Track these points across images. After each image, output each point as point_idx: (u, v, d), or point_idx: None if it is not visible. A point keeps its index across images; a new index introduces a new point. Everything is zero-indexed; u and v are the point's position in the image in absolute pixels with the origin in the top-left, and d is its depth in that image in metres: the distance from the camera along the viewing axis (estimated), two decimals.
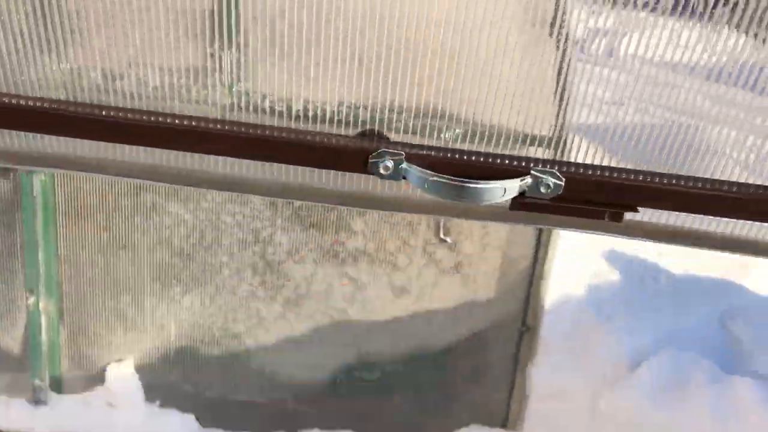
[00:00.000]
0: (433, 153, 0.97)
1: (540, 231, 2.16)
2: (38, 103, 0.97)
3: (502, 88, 0.93)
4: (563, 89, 0.94)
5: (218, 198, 2.08)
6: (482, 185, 0.95)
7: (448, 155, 0.96)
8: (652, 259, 2.96)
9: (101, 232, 2.21)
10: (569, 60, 0.92)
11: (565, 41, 0.91)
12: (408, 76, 0.93)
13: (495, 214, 1.05)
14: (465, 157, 0.96)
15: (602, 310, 2.72)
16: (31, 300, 2.28)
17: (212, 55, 0.95)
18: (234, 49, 0.94)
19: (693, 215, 1.01)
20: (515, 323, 2.40)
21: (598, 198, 0.96)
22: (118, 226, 2.17)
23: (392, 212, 1.95)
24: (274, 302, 2.27)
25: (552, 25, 0.89)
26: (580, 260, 2.81)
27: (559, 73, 0.94)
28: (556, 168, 0.94)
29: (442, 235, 2.15)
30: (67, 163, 1.07)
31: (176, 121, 0.97)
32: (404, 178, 0.97)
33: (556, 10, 0.87)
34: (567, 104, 0.95)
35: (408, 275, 2.21)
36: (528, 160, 0.95)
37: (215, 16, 0.92)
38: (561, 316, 2.61)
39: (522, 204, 0.96)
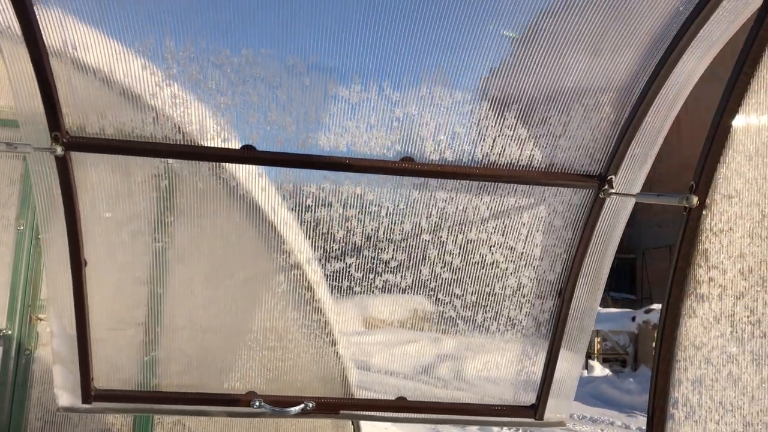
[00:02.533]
0: (270, 398, 2.88)
1: None
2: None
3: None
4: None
5: None
6: (287, 409, 2.85)
7: (275, 397, 2.88)
8: None
9: None
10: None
11: None
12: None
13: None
14: (283, 400, 2.88)
15: None
16: None
17: None
18: None
19: None
20: None
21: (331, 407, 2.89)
22: None
23: None
24: None
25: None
26: None
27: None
28: (313, 401, 2.88)
29: None
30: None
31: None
32: (261, 407, 2.85)
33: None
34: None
35: None
36: (306, 398, 2.88)
37: None
38: None
39: (303, 413, 2.86)
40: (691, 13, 1.95)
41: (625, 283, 27.86)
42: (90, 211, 2.50)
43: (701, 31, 1.98)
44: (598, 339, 18.25)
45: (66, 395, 2.80)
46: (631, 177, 2.51)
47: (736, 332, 1.88)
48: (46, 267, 2.58)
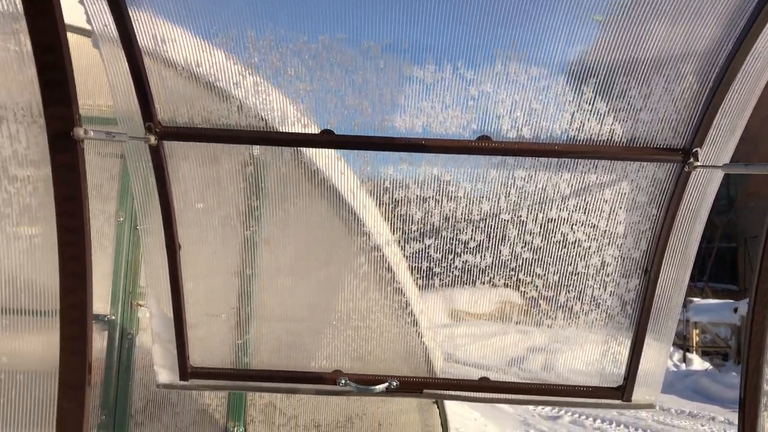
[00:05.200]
0: (355, 377, 2.95)
1: None
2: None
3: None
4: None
5: None
6: (372, 387, 2.92)
7: (360, 376, 2.95)
8: None
9: None
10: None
11: None
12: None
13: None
14: (368, 378, 2.95)
15: None
16: None
17: None
18: None
19: None
20: None
21: (414, 386, 2.93)
22: None
23: None
24: None
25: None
26: None
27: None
28: (397, 380, 2.93)
29: None
30: None
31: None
32: (347, 385, 2.93)
33: None
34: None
35: None
36: (390, 377, 2.93)
37: None
38: None
39: (387, 391, 2.92)
40: None
41: (726, 273, 26.54)
42: (183, 197, 2.64)
43: None
44: (697, 331, 17.50)
45: (165, 372, 2.97)
46: (718, 149, 2.42)
47: None
48: (144, 252, 2.75)
